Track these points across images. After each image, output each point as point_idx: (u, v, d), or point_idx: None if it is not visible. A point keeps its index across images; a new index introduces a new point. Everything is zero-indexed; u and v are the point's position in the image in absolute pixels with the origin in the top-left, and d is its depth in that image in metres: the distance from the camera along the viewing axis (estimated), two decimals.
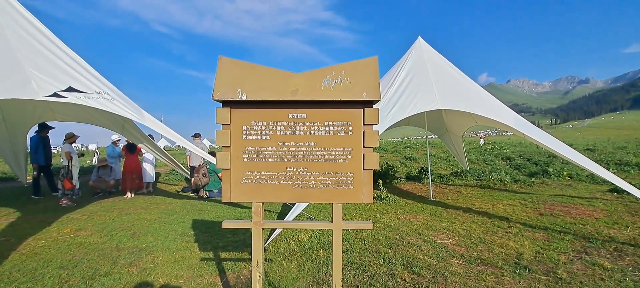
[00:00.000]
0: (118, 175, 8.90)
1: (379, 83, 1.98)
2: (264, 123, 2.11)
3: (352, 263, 3.62)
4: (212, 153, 8.74)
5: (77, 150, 11.47)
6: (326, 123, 2.12)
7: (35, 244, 4.48)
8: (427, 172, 11.12)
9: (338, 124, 2.12)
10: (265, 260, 3.75)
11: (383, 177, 10.48)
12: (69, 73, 4.76)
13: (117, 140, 9.03)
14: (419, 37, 7.94)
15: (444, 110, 8.48)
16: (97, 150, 28.14)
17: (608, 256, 3.73)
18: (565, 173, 10.66)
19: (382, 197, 7.32)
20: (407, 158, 17.89)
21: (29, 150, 8.73)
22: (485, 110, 5.67)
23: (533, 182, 9.73)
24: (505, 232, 4.77)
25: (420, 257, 3.79)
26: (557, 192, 8.19)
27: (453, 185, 9.55)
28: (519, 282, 3.11)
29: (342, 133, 2.12)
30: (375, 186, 8.58)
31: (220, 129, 2.07)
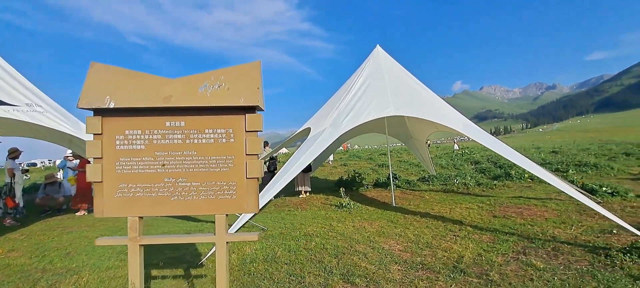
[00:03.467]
0: (67, 192, 8.41)
1: (259, 88, 1.90)
2: (140, 132, 1.98)
3: (291, 275, 3.50)
4: None
5: (22, 167, 10.79)
6: (206, 130, 2.01)
7: None
8: (396, 178, 11.23)
9: (219, 131, 2.02)
10: (197, 276, 3.56)
11: (349, 184, 10.47)
12: None
13: (69, 155, 8.56)
14: (377, 45, 8.07)
15: (407, 117, 8.61)
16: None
17: (544, 256, 3.79)
18: (526, 175, 11.01)
19: (344, 205, 7.25)
20: (380, 166, 18.03)
21: None
22: (436, 116, 5.77)
23: (495, 184, 9.96)
24: (455, 235, 4.79)
25: (363, 265, 3.72)
26: (516, 194, 8.41)
27: (418, 191, 9.63)
28: (451, 285, 3.09)
29: (224, 141, 2.02)
30: (337, 194, 8.51)
31: (92, 139, 1.92)
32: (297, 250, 4.30)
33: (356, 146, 75.29)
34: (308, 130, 7.05)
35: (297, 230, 5.38)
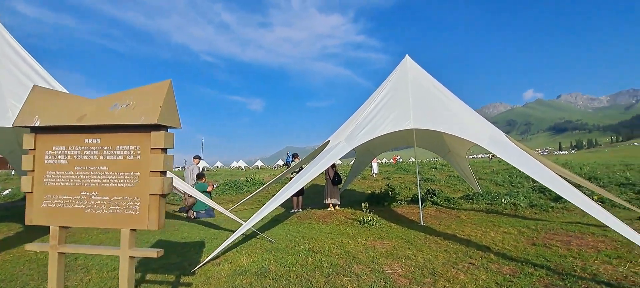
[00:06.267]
0: None
1: (161, 106, 1.92)
2: (64, 148, 2.15)
3: None
4: (201, 175, 9.00)
5: None
6: (118, 147, 2.10)
7: None
8: (433, 194, 10.49)
9: (128, 148, 2.09)
10: (184, 284, 3.70)
11: (381, 199, 10.06)
12: None
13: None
14: (407, 55, 7.74)
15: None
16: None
17: None
18: (595, 197, 9.45)
19: (365, 220, 6.97)
20: (425, 180, 17.03)
21: None
22: (457, 130, 5.28)
23: (552, 207, 8.70)
24: (471, 263, 4.27)
25: None
26: (575, 220, 7.25)
27: (456, 210, 8.85)
28: None
29: (131, 157, 2.08)
30: (359, 208, 8.20)
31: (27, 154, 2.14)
32: (293, 265, 4.23)
33: (412, 159, 72.30)
34: (327, 144, 6.99)
35: (304, 244, 5.30)
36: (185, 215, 8.73)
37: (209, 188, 8.92)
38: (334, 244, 5.32)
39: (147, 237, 6.20)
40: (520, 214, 8.11)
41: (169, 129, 2.13)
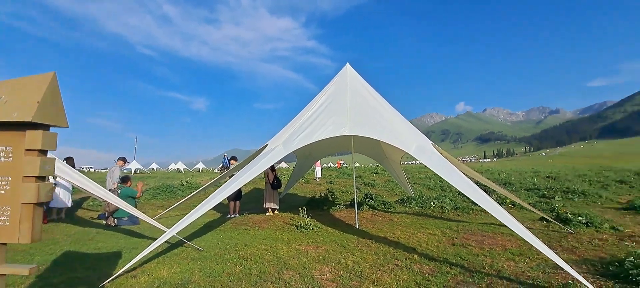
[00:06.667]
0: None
1: (39, 102, 1.69)
2: None
3: None
4: (126, 178, 8.22)
5: None
6: None
7: None
8: (371, 198, 10.91)
9: None
10: None
11: (320, 203, 10.18)
12: None
13: None
14: (347, 64, 7.94)
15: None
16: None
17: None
18: (508, 201, 10.65)
19: (302, 225, 6.95)
20: (365, 185, 17.68)
21: None
22: (389, 137, 5.53)
23: (473, 209, 9.59)
24: (396, 264, 4.48)
25: None
26: (490, 221, 8.05)
27: (391, 213, 9.30)
28: None
29: (2, 160, 1.80)
30: (297, 212, 8.18)
31: None
32: (219, 275, 4.01)
33: (357, 163, 74.64)
34: (265, 147, 6.84)
35: (236, 251, 5.09)
36: (104, 222, 7.84)
37: (138, 195, 8.15)
38: (267, 250, 5.19)
39: (52, 248, 5.42)
40: (446, 216, 8.78)
41: (51, 128, 1.83)
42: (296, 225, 7.15)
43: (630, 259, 4.01)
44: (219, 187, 10.37)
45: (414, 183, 16.74)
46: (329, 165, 55.76)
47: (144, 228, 7.29)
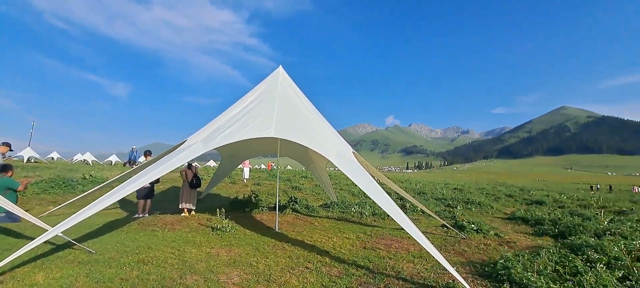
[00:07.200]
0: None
1: None
2: None
3: None
4: (7, 167, 6.93)
5: None
6: None
7: None
8: (296, 202, 10.99)
9: None
10: None
11: (243, 205, 9.92)
12: None
13: None
14: (280, 66, 7.91)
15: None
16: None
17: None
18: (418, 208, 11.70)
19: (219, 227, 6.65)
20: (293, 188, 17.77)
21: None
22: (311, 143, 5.65)
23: (389, 215, 10.27)
24: (306, 267, 4.56)
25: None
26: (402, 226, 8.72)
27: (313, 217, 9.47)
28: None
29: None
30: (216, 213, 7.83)
31: None
32: (109, 280, 3.59)
33: (289, 167, 74.46)
34: (184, 143, 6.41)
35: (136, 254, 4.62)
36: None
37: (21, 188, 6.85)
38: (173, 254, 4.82)
39: None
40: (364, 221, 9.27)
41: None
42: (212, 227, 6.82)
43: (502, 261, 4.72)
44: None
45: (340, 189, 17.37)
46: (261, 167, 54.78)
47: (24, 227, 6.17)
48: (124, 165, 20.85)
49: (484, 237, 7.54)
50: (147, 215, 7.92)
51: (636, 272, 4.20)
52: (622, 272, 4.29)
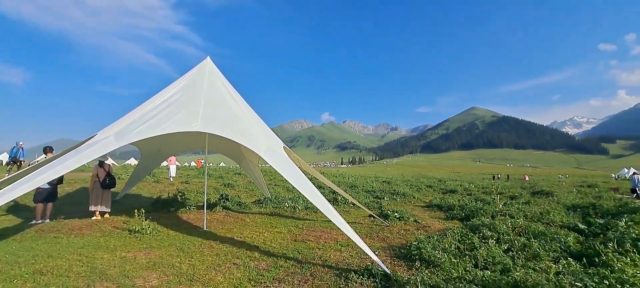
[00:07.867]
0: None
1: None
2: None
3: None
4: None
5: None
6: None
7: None
8: (226, 199, 10.64)
9: None
10: None
11: (168, 204, 9.28)
12: None
13: None
14: (208, 57, 7.53)
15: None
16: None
17: (296, 282, 3.86)
18: (349, 201, 12.28)
19: (138, 229, 6.11)
20: (226, 185, 17.13)
21: None
22: (239, 137, 5.53)
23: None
24: (234, 263, 4.49)
25: None
26: None
27: (245, 213, 9.28)
28: None
29: None
30: (131, 215, 7.18)
31: None
32: (10, 280, 3.07)
33: (223, 163, 71.25)
34: (93, 138, 5.73)
35: (31, 265, 4.02)
36: None
37: None
38: (79, 261, 4.30)
39: None
40: (296, 215, 9.39)
41: None
42: (130, 230, 6.24)
43: (415, 243, 5.26)
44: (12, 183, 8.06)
45: (275, 185, 17.30)
46: (191, 164, 51.45)
47: None
48: (6, 165, 16.68)
49: (405, 224, 8.26)
50: (47, 220, 6.87)
51: (517, 243, 5.07)
52: (507, 245, 5.14)
